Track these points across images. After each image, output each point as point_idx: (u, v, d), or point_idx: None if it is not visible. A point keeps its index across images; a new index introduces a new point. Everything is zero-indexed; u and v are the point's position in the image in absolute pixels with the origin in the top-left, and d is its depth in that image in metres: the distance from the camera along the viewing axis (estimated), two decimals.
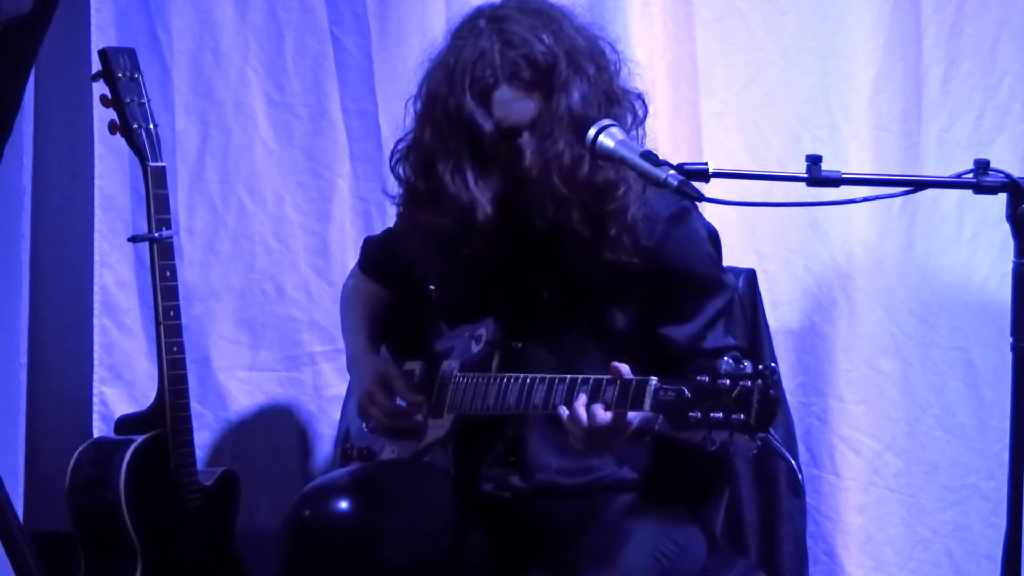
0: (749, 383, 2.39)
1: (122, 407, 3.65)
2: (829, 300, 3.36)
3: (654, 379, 2.51)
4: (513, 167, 2.73)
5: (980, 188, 2.33)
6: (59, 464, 3.40)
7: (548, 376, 2.68)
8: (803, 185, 2.37)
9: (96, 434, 3.67)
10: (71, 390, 3.85)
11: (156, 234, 3.29)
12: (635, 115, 2.78)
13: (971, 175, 2.34)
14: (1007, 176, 2.32)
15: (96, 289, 3.73)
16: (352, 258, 3.34)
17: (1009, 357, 2.32)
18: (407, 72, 2.93)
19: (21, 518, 3.19)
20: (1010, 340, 2.32)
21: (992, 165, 2.33)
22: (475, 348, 2.89)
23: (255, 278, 3.72)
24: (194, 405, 3.44)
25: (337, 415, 3.34)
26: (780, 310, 3.34)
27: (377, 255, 3.15)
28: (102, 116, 3.48)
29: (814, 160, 2.35)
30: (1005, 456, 2.34)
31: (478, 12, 2.79)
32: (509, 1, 2.79)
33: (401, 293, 3.10)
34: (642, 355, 2.71)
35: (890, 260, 3.32)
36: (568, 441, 2.65)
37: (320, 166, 3.67)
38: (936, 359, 3.31)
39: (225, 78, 3.68)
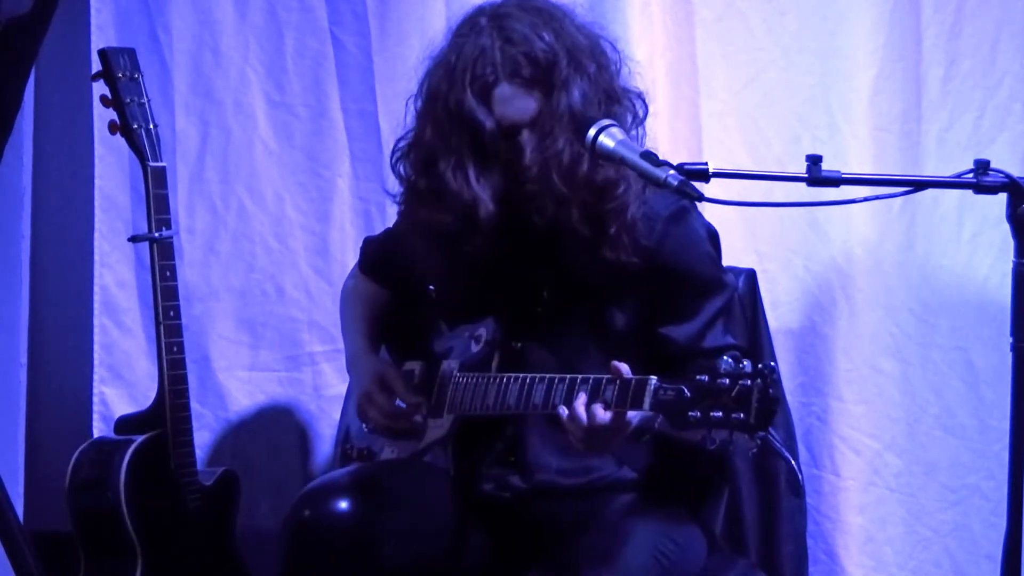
0: (748, 382, 2.39)
1: (122, 407, 3.65)
2: (829, 300, 3.36)
3: (654, 378, 2.51)
4: (513, 165, 2.73)
5: (980, 188, 2.33)
6: (59, 464, 3.40)
7: (548, 376, 2.68)
8: (803, 185, 2.37)
9: (96, 434, 3.66)
10: (71, 390, 3.85)
11: (156, 234, 3.29)
12: (635, 114, 2.78)
13: (971, 175, 2.33)
14: (1007, 176, 2.32)
15: (96, 289, 3.73)
16: (352, 258, 3.34)
17: (1009, 357, 2.32)
18: (407, 72, 2.93)
19: (21, 518, 3.19)
20: (1010, 340, 2.32)
21: (992, 165, 2.33)
22: (475, 348, 2.88)
23: (255, 278, 3.72)
24: (194, 405, 3.44)
25: (337, 415, 3.34)
26: (780, 310, 3.34)
27: (377, 255, 3.15)
28: (102, 116, 3.48)
29: (814, 160, 2.35)
30: (1005, 456, 2.34)
31: (479, 10, 2.79)
32: None
33: (401, 293, 3.10)
34: (642, 355, 2.71)
35: (890, 260, 3.32)
36: (568, 441, 2.64)
37: (320, 166, 3.67)
38: (936, 359, 3.31)
39: (225, 78, 3.68)
